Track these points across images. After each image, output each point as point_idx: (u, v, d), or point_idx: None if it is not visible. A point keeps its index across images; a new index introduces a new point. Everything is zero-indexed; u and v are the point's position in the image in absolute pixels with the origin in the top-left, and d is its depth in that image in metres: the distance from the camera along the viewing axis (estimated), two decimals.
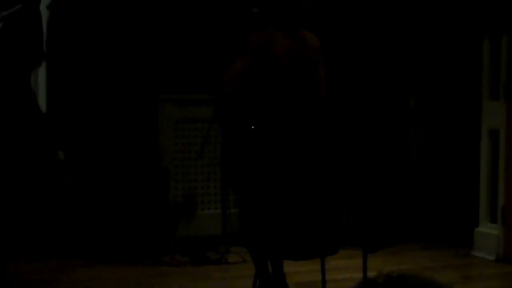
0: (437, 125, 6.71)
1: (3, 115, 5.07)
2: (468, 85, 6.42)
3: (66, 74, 6.10)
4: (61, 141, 5.97)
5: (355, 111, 6.54)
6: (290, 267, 4.88)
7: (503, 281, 5.68)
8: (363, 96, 6.68)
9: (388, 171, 6.66)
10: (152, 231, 6.06)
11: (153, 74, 6.17)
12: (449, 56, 6.59)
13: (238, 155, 4.72)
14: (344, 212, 4.82)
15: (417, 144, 6.82)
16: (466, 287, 5.36)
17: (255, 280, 4.71)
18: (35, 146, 5.19)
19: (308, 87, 4.57)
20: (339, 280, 5.28)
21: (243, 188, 4.69)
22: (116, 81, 6.13)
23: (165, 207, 6.15)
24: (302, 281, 5.30)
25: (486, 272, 5.82)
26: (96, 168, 6.08)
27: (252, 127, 4.60)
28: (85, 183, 6.08)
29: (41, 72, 6.06)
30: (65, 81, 6.11)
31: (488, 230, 6.11)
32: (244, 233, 4.72)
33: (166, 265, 5.85)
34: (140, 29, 6.15)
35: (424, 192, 6.75)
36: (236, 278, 5.47)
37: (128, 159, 6.06)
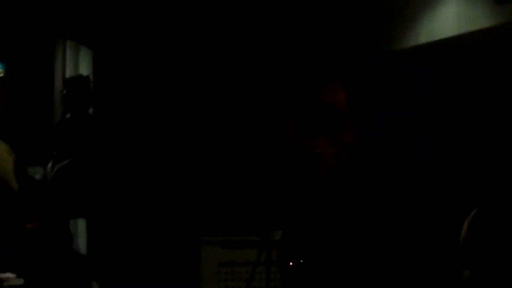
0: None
1: None
2: None
3: (106, 218, 6.03)
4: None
5: None
6: None
7: None
8: None
9: None
10: None
11: (196, 215, 6.09)
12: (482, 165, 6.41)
13: None
14: None
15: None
16: None
17: None
18: None
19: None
20: None
21: None
22: (158, 221, 6.04)
23: None
24: None
25: None
26: None
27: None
28: None
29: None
30: (105, 225, 6.03)
31: None
32: None
33: None
34: (184, 168, 6.13)
35: None
36: None
37: None
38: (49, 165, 5.56)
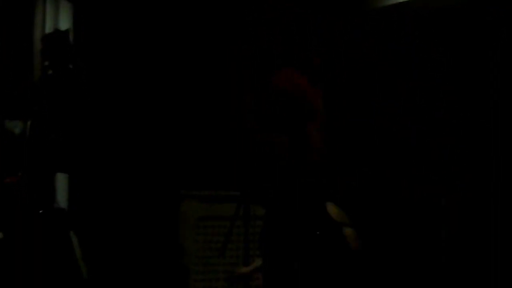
0: (469, 225, 6.53)
1: None
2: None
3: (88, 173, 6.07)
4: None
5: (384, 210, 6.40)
6: None
7: None
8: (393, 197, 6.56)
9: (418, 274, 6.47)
10: None
11: (176, 169, 6.12)
12: (477, 153, 6.44)
13: None
14: None
15: (449, 245, 6.63)
16: None
17: None
18: None
19: None
20: None
21: None
22: (138, 175, 6.07)
23: None
24: None
25: None
26: (115, 264, 5.97)
27: None
28: (103, 278, 5.96)
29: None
30: (85, 179, 6.07)
31: None
32: None
33: None
34: (165, 123, 6.13)
35: None
36: None
37: (147, 255, 5.94)
38: (29, 121, 5.58)
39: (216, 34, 6.44)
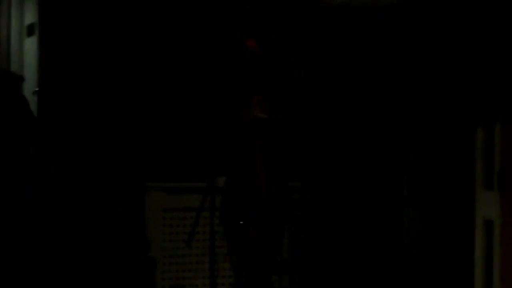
0: (431, 215, 6.60)
1: None
2: (461, 174, 6.32)
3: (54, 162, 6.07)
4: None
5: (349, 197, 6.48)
6: None
7: None
8: (358, 184, 6.62)
9: (382, 262, 6.54)
10: None
11: (141, 161, 6.13)
12: (442, 145, 6.52)
13: None
14: None
15: (411, 233, 6.70)
16: None
17: None
18: None
19: None
20: None
21: None
22: (103, 167, 6.08)
23: None
24: None
25: None
26: (82, 258, 5.98)
27: None
28: (72, 274, 5.96)
29: None
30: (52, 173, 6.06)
31: None
32: None
33: None
34: (130, 115, 6.14)
35: (417, 282, 6.60)
36: None
37: (114, 248, 5.95)
38: None
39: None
